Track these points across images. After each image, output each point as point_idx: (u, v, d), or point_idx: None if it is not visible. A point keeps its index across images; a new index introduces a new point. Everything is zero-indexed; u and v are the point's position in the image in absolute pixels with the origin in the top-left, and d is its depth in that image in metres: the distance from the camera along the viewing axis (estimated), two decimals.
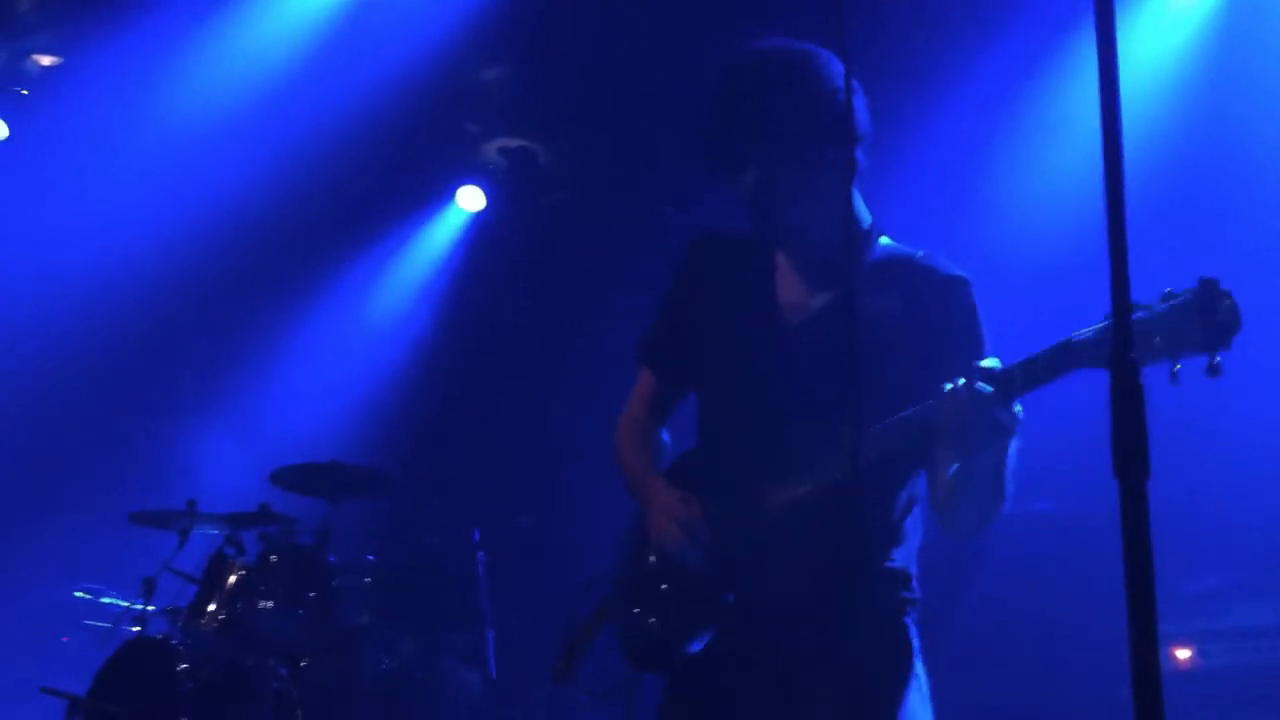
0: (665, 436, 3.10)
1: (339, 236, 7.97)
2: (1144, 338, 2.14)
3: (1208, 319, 2.08)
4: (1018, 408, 2.43)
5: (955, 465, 2.54)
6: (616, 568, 2.97)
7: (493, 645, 6.00)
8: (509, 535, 6.31)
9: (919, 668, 2.71)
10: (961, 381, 2.42)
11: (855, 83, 2.70)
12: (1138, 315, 2.14)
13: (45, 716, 5.82)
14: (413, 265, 8.26)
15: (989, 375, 2.42)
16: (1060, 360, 2.31)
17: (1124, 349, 1.68)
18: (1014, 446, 2.54)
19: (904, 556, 2.76)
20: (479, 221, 8.16)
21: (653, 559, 2.84)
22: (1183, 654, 5.58)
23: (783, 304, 2.83)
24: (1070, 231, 5.72)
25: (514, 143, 7.76)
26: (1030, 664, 5.71)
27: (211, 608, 5.82)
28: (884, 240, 2.86)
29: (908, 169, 5.57)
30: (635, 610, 2.83)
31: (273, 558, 5.87)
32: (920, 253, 2.83)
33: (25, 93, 7.55)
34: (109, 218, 7.56)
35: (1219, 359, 2.08)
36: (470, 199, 8.08)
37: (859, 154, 2.73)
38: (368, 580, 6.02)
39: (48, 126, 7.51)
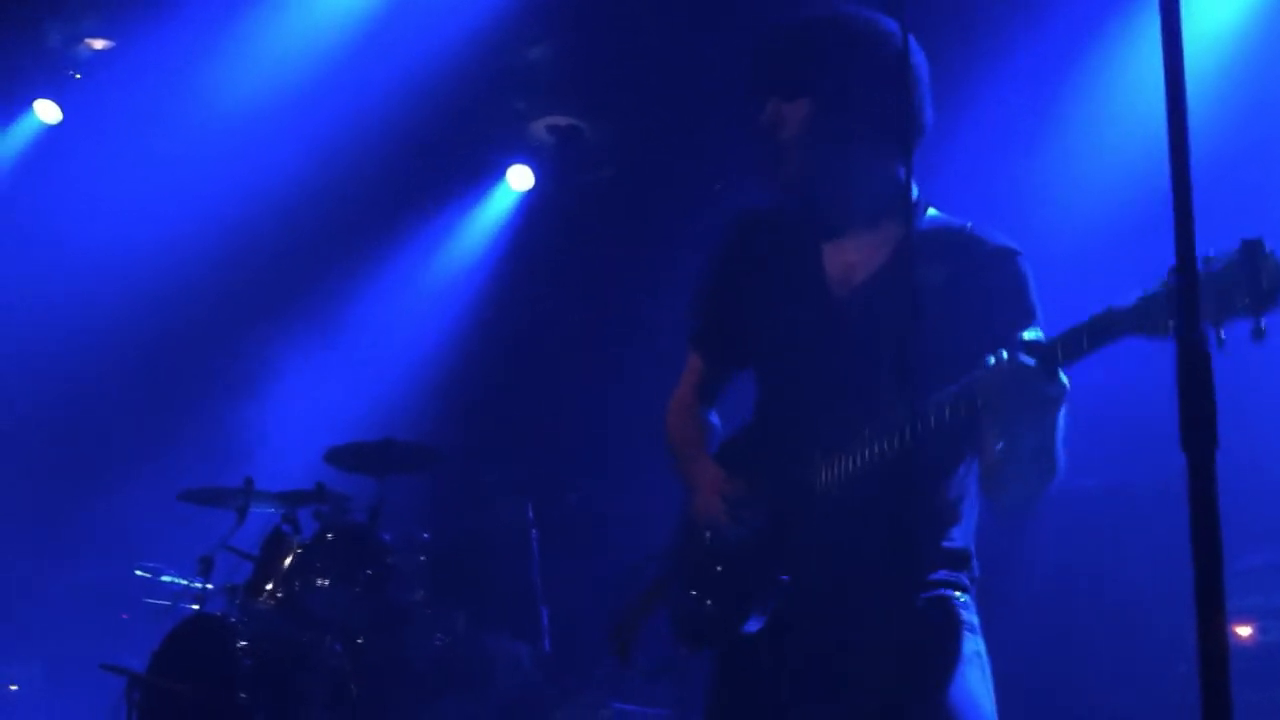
0: (715, 419, 3.08)
1: (391, 217, 8.00)
2: (1151, 308, 2.15)
3: (1252, 282, 2.03)
4: (1064, 378, 2.40)
5: (1002, 438, 2.51)
6: (670, 547, 2.96)
7: (547, 621, 6.02)
8: (562, 511, 6.31)
9: (980, 646, 2.69)
10: (1004, 354, 2.39)
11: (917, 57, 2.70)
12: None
13: (106, 693, 5.90)
14: (464, 245, 8.27)
15: (1031, 347, 2.39)
16: (1103, 329, 2.28)
17: (1191, 315, 1.65)
18: (1062, 416, 2.51)
19: (961, 535, 2.74)
20: (529, 200, 8.16)
21: (706, 539, 2.82)
22: (1243, 630, 5.52)
23: (830, 278, 2.80)
24: (1122, 204, 5.66)
25: (561, 120, 7.74)
26: (1082, 642, 5.66)
27: (269, 585, 5.88)
28: (931, 212, 2.84)
29: (958, 141, 5.52)
30: (689, 591, 2.82)
31: (328, 536, 5.92)
32: (969, 224, 2.80)
33: (78, 76, 7.62)
34: (162, 198, 7.62)
35: (1264, 323, 2.03)
36: (520, 178, 8.09)
37: (905, 123, 2.68)
38: (422, 557, 6.05)
39: (101, 109, 7.58)
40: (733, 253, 2.99)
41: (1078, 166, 6.10)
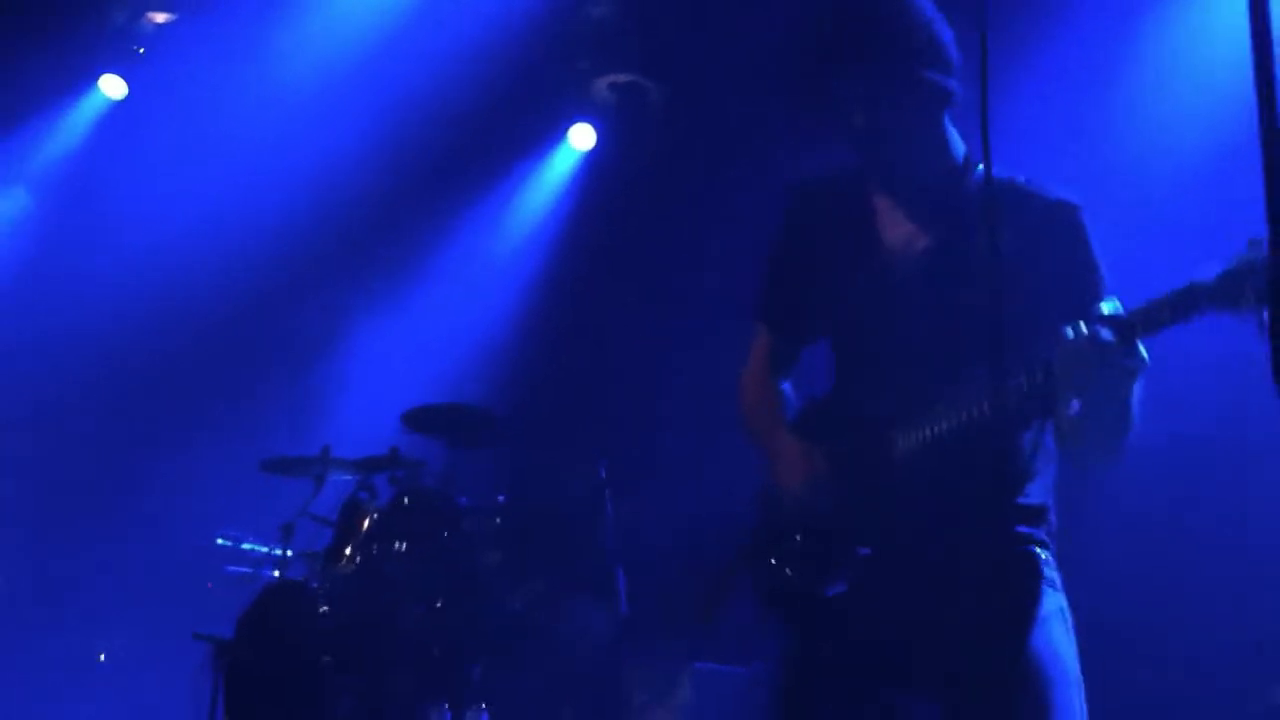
0: (788, 389, 3.09)
1: (456, 179, 8.00)
2: (1234, 284, 2.17)
3: None
4: (1143, 351, 2.39)
5: (1079, 406, 2.49)
6: (752, 516, 2.97)
7: (622, 583, 6.04)
8: (635, 472, 6.31)
9: (1063, 603, 2.68)
10: (1083, 328, 2.38)
11: (939, 13, 2.70)
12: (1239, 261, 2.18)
13: (192, 661, 6.01)
14: (529, 205, 8.27)
15: (1111, 321, 2.38)
16: (1185, 305, 2.29)
17: None
18: (1139, 386, 2.50)
19: (1039, 492, 2.72)
20: (591, 159, 8.14)
21: (786, 509, 2.84)
22: None
23: (887, 245, 2.80)
24: (1194, 163, 5.55)
25: (623, 78, 7.69)
26: (1162, 592, 5.58)
27: (348, 551, 5.95)
28: (979, 170, 2.75)
29: (1024, 100, 5.42)
30: (769, 560, 2.83)
31: (405, 501, 5.97)
32: (1022, 178, 2.76)
33: (141, 50, 7.67)
34: (230, 168, 7.68)
35: None
36: (582, 137, 8.06)
37: (955, 85, 2.69)
38: (497, 521, 6.08)
39: (165, 83, 7.63)
40: (791, 226, 3.00)
41: (1149, 120, 5.98)
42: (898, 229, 2.80)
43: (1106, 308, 2.44)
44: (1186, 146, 5.63)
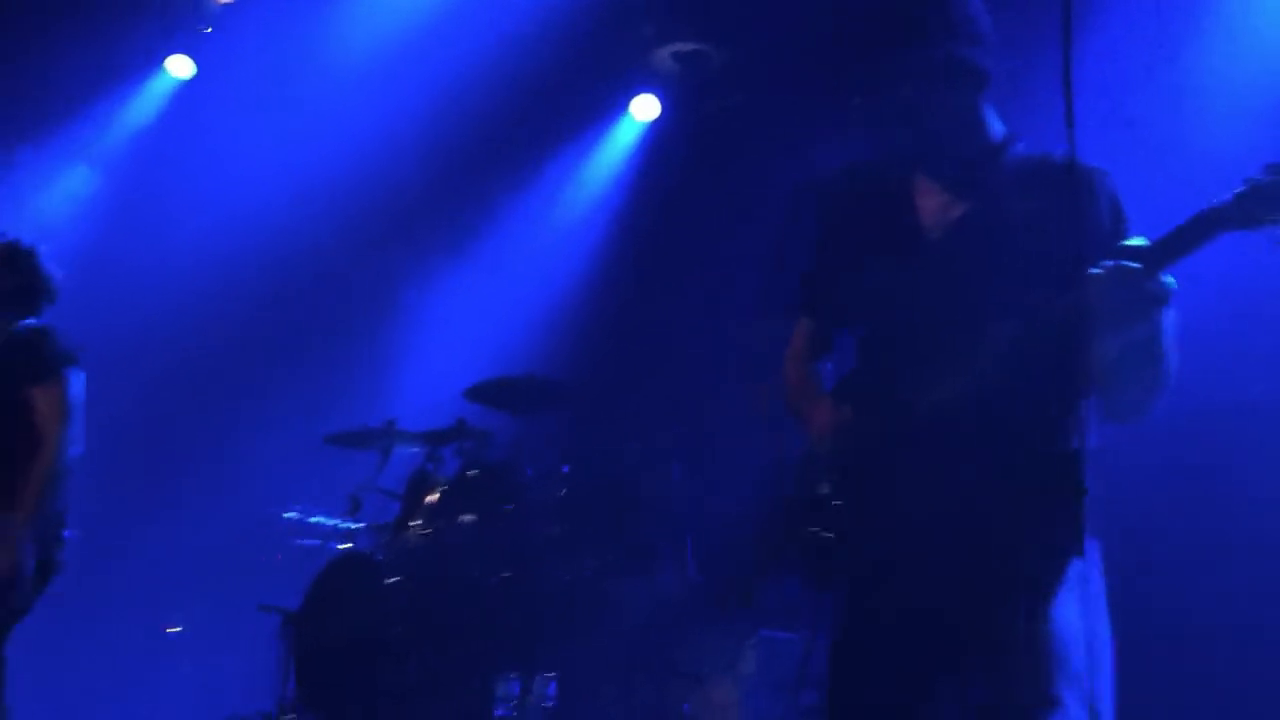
0: (827, 368, 3.21)
1: (520, 151, 8.00)
2: (1252, 204, 2.33)
3: None
4: (1169, 278, 2.48)
5: (1113, 342, 2.55)
6: (793, 488, 3.01)
7: (691, 550, 6.01)
8: (701, 441, 6.28)
9: (1086, 570, 2.65)
10: (1109, 260, 2.47)
11: None
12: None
13: (262, 633, 6.06)
14: (593, 177, 8.25)
15: (1135, 251, 2.47)
16: (1204, 226, 2.40)
17: None
18: (1170, 319, 2.57)
19: (1071, 452, 2.66)
20: (655, 130, 8.11)
21: (824, 476, 2.89)
22: None
23: (923, 220, 2.87)
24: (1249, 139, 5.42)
25: (686, 47, 7.64)
26: (1213, 564, 5.44)
27: (415, 523, 5.97)
28: (1018, 146, 2.89)
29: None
30: (810, 528, 2.87)
31: (471, 472, 5.98)
32: (1055, 151, 2.81)
33: (208, 30, 7.73)
34: (295, 144, 7.72)
35: None
36: (645, 108, 8.02)
37: (992, 64, 2.81)
38: (563, 491, 6.07)
39: (231, 61, 7.68)
40: (826, 218, 3.13)
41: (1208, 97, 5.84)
42: (933, 204, 2.88)
43: (1130, 241, 2.53)
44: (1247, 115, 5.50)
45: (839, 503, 2.84)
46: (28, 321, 4.51)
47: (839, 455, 2.86)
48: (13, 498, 4.19)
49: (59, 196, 7.87)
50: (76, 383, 4.37)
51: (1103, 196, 2.73)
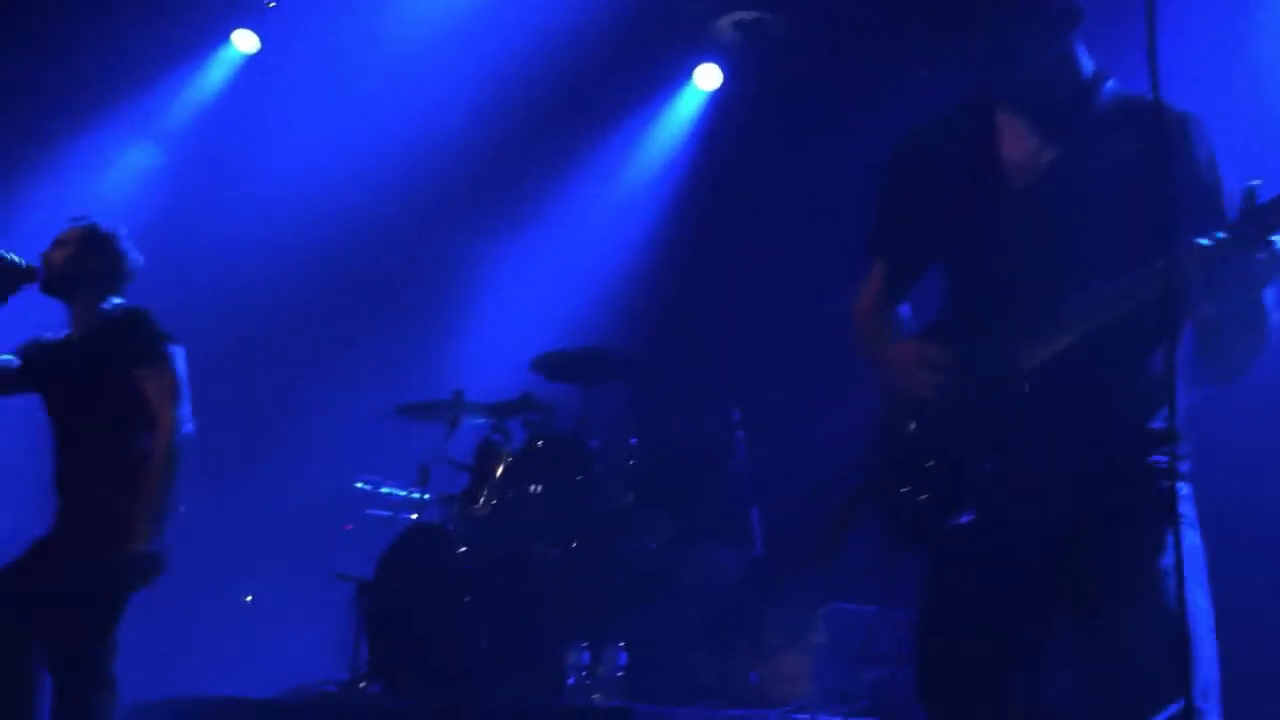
0: (906, 311, 3.07)
1: (583, 122, 8.00)
2: None
3: None
4: (1276, 242, 2.35)
5: (1213, 305, 2.46)
6: (872, 448, 2.92)
7: (757, 523, 6.02)
8: (767, 412, 6.27)
9: (1197, 540, 2.60)
10: (1211, 223, 2.37)
11: None
12: None
13: (335, 601, 6.14)
14: (656, 147, 8.24)
15: (1242, 214, 2.36)
16: None
17: None
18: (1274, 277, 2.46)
19: (1172, 418, 2.63)
20: (717, 99, 8.08)
21: (910, 433, 2.79)
22: None
23: (1009, 164, 2.76)
24: None
25: (748, 15, 7.59)
26: None
27: (484, 494, 6.02)
28: (1109, 85, 2.77)
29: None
30: (897, 489, 2.78)
31: (538, 444, 6.02)
32: (1148, 94, 2.60)
33: (272, 4, 7.76)
34: (359, 117, 7.76)
35: None
36: (708, 77, 8.00)
37: (1082, 3, 2.69)
38: (631, 462, 6.10)
39: (295, 35, 7.71)
40: (906, 160, 2.99)
41: None
42: (1021, 147, 2.77)
43: (1235, 200, 2.42)
44: None
45: (927, 453, 2.73)
46: (114, 302, 4.56)
47: (929, 404, 2.74)
48: (129, 479, 4.26)
49: (126, 172, 7.96)
50: (180, 360, 4.39)
51: (1200, 146, 2.64)
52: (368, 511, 6.78)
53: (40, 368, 4.51)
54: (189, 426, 4.31)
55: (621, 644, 5.38)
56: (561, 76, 7.46)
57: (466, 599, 5.59)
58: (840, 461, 3.19)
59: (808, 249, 7.14)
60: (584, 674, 5.37)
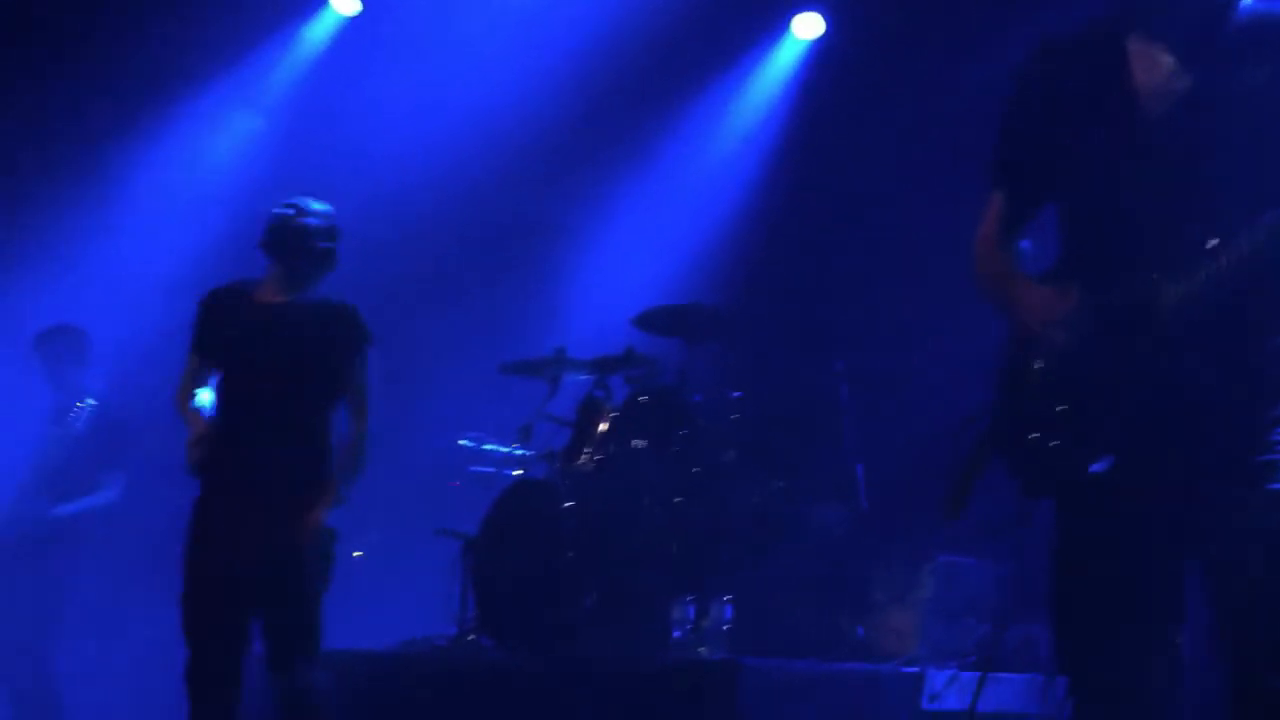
0: (1027, 248, 2.95)
1: (682, 75, 7.95)
2: None
3: None
4: None
5: None
6: (999, 394, 2.83)
7: (862, 477, 5.96)
8: (870, 365, 6.20)
9: None
10: None
11: None
12: None
13: (441, 557, 6.20)
14: (756, 97, 8.16)
15: None
16: None
17: None
18: None
19: None
20: (818, 47, 7.98)
21: (1038, 377, 2.69)
22: None
23: (1142, 90, 2.63)
24: None
25: None
26: None
27: (586, 450, 6.03)
28: (1245, 3, 2.62)
29: None
30: (1026, 435, 2.69)
31: (640, 399, 6.01)
32: None
33: None
34: (460, 79, 7.76)
35: None
36: (807, 26, 7.90)
37: None
38: (733, 417, 6.08)
39: None
40: (1033, 84, 2.84)
41: None
42: (1154, 72, 2.64)
43: None
44: None
45: (1057, 397, 2.63)
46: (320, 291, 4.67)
47: (1058, 346, 2.65)
48: (321, 451, 4.45)
49: (232, 137, 8.06)
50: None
51: None
52: (470, 469, 6.82)
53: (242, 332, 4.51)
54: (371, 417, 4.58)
55: (727, 598, 5.36)
56: (660, 30, 7.40)
57: (571, 554, 5.61)
58: (946, 411, 3.12)
59: (910, 197, 7.04)
60: (689, 628, 5.37)
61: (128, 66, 7.47)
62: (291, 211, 4.51)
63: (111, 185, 7.68)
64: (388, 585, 7.00)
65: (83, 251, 7.52)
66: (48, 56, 7.42)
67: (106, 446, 6.15)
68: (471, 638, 5.85)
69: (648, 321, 6.31)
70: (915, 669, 5.08)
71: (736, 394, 6.13)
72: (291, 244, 4.49)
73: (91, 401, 5.82)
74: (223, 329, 4.50)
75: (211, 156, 7.93)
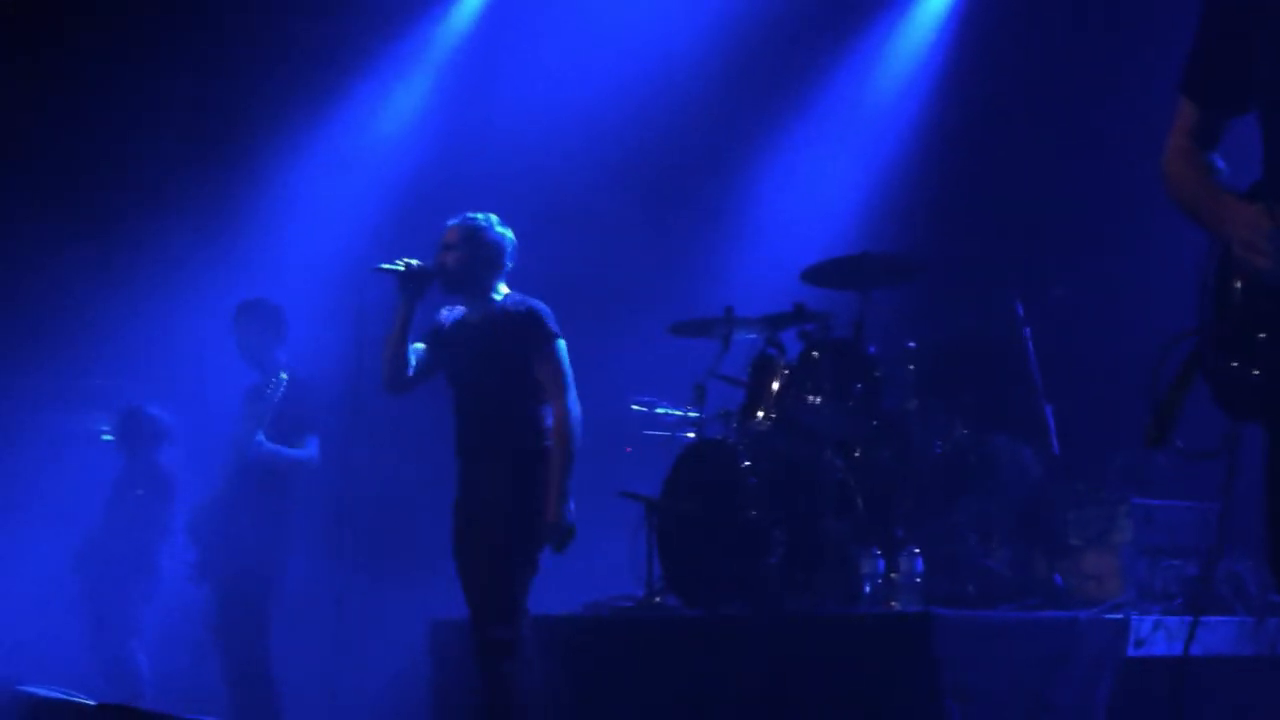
0: (1220, 163, 2.78)
1: (841, 22, 7.84)
2: None
3: None
4: None
5: None
6: (1200, 318, 2.70)
7: (1052, 420, 5.82)
8: (1050, 306, 6.02)
9: None
10: None
11: None
12: None
13: (623, 520, 6.20)
14: (913, 40, 8.02)
15: None
16: None
17: None
18: None
19: None
20: None
21: (1239, 298, 2.56)
22: None
23: None
24: None
25: None
26: None
27: (762, 407, 5.99)
28: None
29: None
30: (1230, 361, 2.57)
31: (814, 354, 5.95)
32: None
33: None
34: (608, 48, 7.77)
35: None
36: None
37: None
38: (911, 366, 5.99)
39: None
40: None
41: None
42: None
43: None
44: None
45: (1258, 324, 2.51)
46: (506, 292, 4.94)
47: (1268, 268, 2.50)
48: (531, 450, 4.77)
49: (397, 113, 8.17)
50: (564, 352, 4.87)
51: None
52: (644, 432, 6.82)
53: (446, 350, 4.94)
54: (578, 410, 4.81)
55: (917, 550, 5.28)
56: None
57: (754, 512, 5.59)
58: (1141, 341, 3.00)
59: (1081, 132, 6.84)
60: (880, 581, 5.30)
61: (292, 51, 7.65)
62: (440, 252, 4.93)
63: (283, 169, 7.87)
64: (574, 548, 7.05)
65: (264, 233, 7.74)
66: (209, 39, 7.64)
67: (299, 413, 6.14)
68: (659, 598, 5.86)
69: (818, 274, 6.23)
70: (1119, 615, 4.94)
71: (911, 343, 6.03)
72: (452, 282, 4.93)
73: (284, 376, 5.91)
74: (439, 356, 4.98)
75: (383, 133, 8.08)
